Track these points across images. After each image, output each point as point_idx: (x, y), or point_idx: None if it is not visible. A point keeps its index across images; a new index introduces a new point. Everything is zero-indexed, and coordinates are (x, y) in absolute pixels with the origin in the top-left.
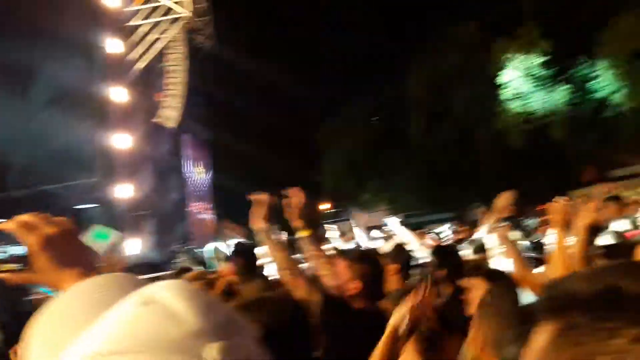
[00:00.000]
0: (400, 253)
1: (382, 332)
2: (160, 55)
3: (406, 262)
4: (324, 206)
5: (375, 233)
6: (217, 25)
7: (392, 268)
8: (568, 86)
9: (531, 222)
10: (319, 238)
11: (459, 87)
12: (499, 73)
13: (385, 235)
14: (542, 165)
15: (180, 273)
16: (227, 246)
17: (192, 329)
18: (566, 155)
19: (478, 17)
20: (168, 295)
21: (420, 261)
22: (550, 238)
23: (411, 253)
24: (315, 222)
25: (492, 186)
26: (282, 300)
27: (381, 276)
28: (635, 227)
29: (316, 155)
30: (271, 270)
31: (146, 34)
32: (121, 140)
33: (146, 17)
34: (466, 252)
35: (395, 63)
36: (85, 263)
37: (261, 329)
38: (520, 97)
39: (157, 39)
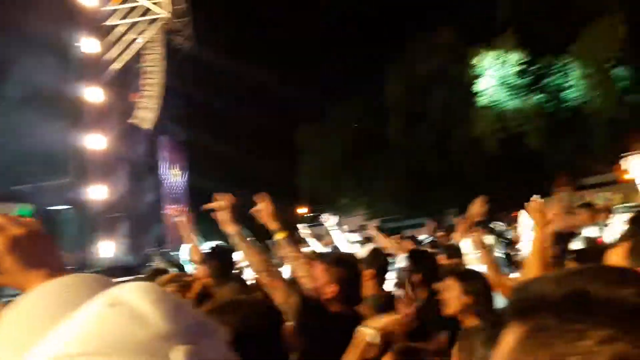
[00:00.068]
0: (376, 258)
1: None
2: (138, 55)
3: (382, 267)
4: (302, 210)
5: (352, 237)
6: (196, 27)
7: (367, 273)
8: (542, 95)
9: (504, 227)
10: (296, 240)
11: (435, 93)
12: (475, 81)
13: (362, 239)
14: (516, 171)
15: (154, 275)
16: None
17: (159, 331)
18: (540, 162)
19: (455, 25)
20: (135, 297)
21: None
22: (525, 244)
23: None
24: (291, 224)
25: (469, 191)
26: (255, 303)
27: (358, 280)
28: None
29: (295, 158)
30: (250, 273)
31: (123, 34)
32: (95, 141)
33: (124, 17)
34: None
35: (374, 67)
36: (53, 264)
37: (233, 332)
38: (496, 104)
39: (134, 40)
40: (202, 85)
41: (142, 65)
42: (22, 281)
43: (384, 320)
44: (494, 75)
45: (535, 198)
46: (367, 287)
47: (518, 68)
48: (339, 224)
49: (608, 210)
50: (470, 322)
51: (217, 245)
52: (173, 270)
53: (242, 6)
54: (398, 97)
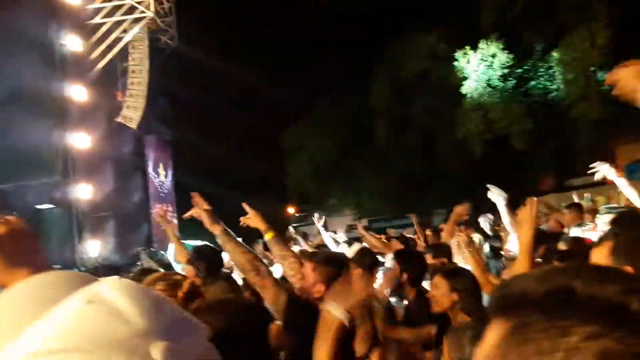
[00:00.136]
0: (365, 257)
1: (347, 337)
2: (123, 54)
3: (371, 266)
4: (291, 210)
5: (339, 237)
6: (182, 25)
7: (355, 272)
8: (527, 97)
9: (491, 220)
10: (286, 240)
11: (421, 95)
12: (461, 83)
13: (348, 239)
14: (502, 173)
15: (142, 275)
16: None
17: (138, 328)
18: (525, 163)
19: (441, 27)
20: (114, 294)
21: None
22: (512, 244)
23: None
24: (280, 224)
25: (455, 192)
26: (241, 302)
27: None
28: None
29: (283, 158)
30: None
31: (108, 33)
32: (81, 140)
33: (109, 16)
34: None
35: (362, 69)
36: (36, 262)
37: (219, 331)
38: (481, 106)
39: (119, 38)
40: (187, 84)
41: (127, 64)
42: (5, 279)
43: (350, 300)
44: (480, 78)
45: (531, 200)
46: (356, 287)
47: (503, 71)
48: (325, 225)
49: (594, 211)
50: (460, 319)
51: (204, 245)
52: (160, 270)
53: (227, 5)
54: (385, 99)
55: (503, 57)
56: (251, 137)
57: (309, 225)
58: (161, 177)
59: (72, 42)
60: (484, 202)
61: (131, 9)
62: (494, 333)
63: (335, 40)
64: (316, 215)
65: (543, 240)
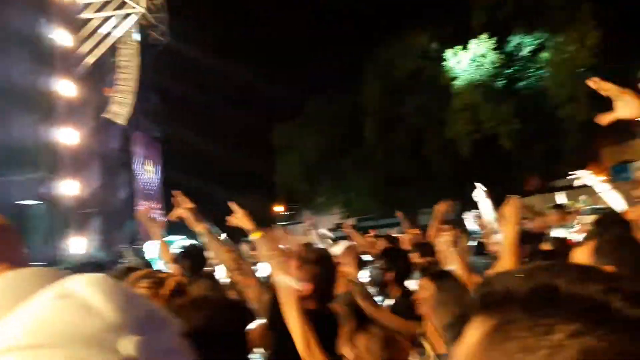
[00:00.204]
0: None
1: (332, 334)
2: (112, 50)
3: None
4: (278, 208)
5: (325, 233)
6: (174, 22)
7: (341, 271)
8: (516, 98)
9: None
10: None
11: (411, 94)
12: (451, 83)
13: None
14: (489, 173)
15: (126, 272)
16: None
17: (109, 322)
18: (513, 164)
19: (431, 27)
20: (85, 289)
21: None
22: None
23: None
24: (268, 222)
25: (443, 192)
26: (221, 301)
27: (333, 278)
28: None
29: (272, 156)
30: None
31: (97, 28)
32: (68, 135)
33: (98, 11)
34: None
35: (352, 67)
36: (14, 258)
37: (198, 329)
38: (470, 106)
39: (108, 33)
40: (176, 81)
41: (116, 60)
42: None
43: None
44: (469, 78)
45: (513, 197)
46: (341, 285)
47: (493, 71)
48: (313, 224)
49: (577, 212)
50: None
51: (191, 245)
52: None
53: (221, 2)
54: (374, 98)
55: (493, 57)
56: (242, 135)
57: (296, 224)
58: (149, 173)
59: (61, 37)
60: (471, 202)
61: (122, 4)
62: (476, 330)
63: (331, 38)
64: (306, 214)
65: (527, 240)
